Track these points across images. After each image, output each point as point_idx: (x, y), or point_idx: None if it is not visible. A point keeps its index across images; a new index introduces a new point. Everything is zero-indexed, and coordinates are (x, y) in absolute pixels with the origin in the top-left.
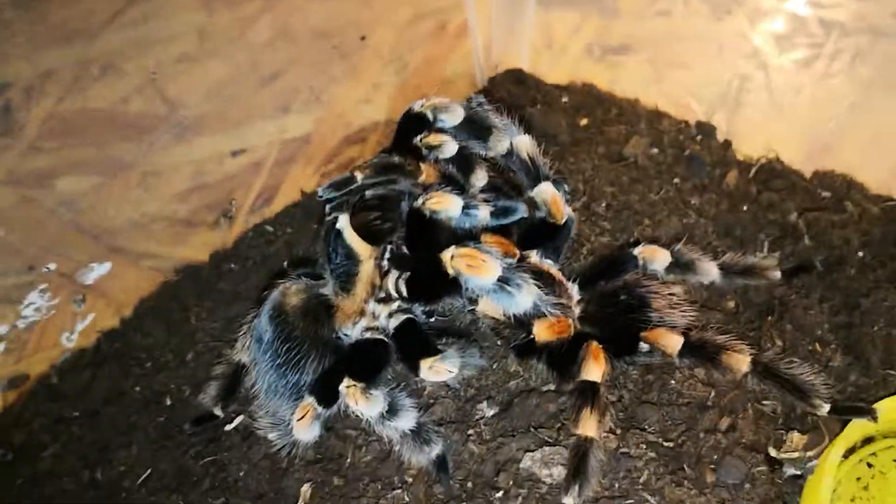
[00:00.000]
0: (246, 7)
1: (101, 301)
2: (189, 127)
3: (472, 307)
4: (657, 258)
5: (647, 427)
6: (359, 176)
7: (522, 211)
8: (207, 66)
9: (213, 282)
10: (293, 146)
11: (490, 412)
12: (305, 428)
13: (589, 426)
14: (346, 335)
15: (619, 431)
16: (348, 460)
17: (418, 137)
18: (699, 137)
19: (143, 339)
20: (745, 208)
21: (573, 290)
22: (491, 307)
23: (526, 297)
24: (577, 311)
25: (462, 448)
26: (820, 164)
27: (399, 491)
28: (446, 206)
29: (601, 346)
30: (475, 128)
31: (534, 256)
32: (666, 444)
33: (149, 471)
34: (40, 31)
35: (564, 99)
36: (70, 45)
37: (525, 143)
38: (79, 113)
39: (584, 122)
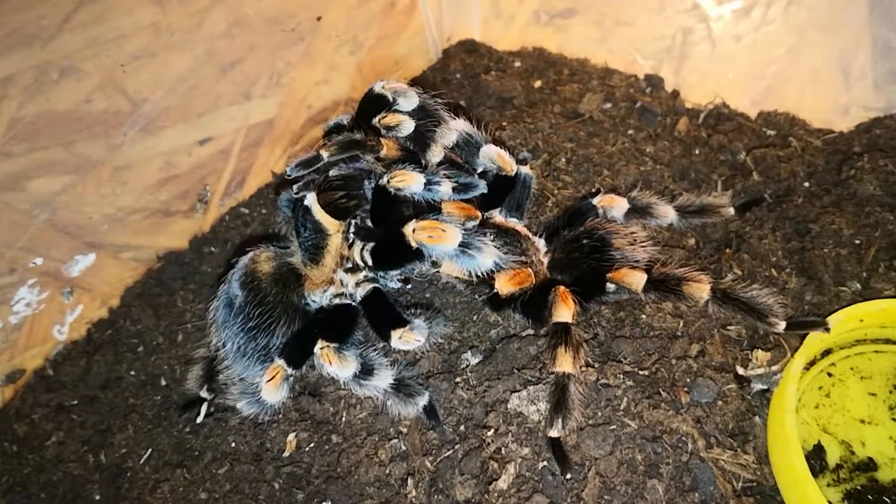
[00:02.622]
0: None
1: (86, 295)
2: (154, 120)
3: (436, 269)
4: (615, 205)
5: (622, 359)
6: (324, 154)
7: (483, 187)
8: (166, 60)
9: (195, 265)
10: (258, 131)
11: (475, 360)
12: (274, 389)
13: (565, 362)
14: (313, 301)
15: (597, 365)
16: (343, 419)
17: (377, 118)
18: (649, 90)
19: (133, 326)
20: (696, 152)
21: (540, 243)
22: (454, 268)
23: (487, 257)
24: (545, 261)
25: (451, 395)
26: (764, 106)
27: (396, 441)
28: (409, 182)
29: (569, 289)
30: (428, 117)
31: (498, 216)
32: (641, 372)
33: (150, 450)
34: None
35: (517, 64)
36: (27, 49)
37: (461, 124)
38: (43, 115)
39: (538, 84)
